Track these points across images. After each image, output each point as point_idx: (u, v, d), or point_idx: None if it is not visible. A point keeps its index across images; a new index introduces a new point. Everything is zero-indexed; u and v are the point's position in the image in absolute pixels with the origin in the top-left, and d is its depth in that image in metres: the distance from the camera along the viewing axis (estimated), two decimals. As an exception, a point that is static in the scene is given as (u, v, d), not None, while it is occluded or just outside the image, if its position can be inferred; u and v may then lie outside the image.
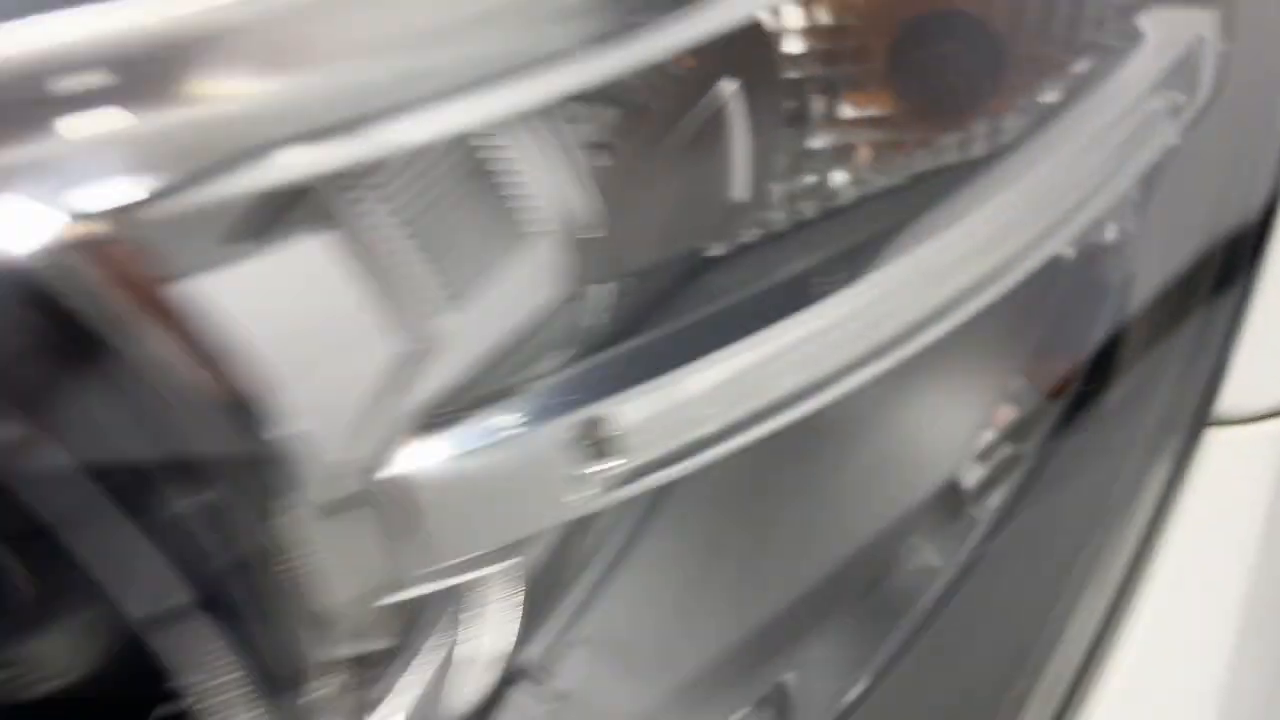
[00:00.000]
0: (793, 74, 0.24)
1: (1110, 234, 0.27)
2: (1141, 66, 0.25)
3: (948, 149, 0.25)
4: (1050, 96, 0.25)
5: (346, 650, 0.18)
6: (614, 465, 0.18)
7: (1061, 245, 0.24)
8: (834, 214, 0.25)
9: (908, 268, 0.22)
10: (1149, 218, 0.27)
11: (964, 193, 0.23)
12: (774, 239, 0.24)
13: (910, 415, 0.27)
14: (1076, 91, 0.25)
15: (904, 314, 0.22)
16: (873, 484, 0.27)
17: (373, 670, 0.20)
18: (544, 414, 0.18)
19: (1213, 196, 0.27)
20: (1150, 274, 0.27)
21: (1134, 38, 0.26)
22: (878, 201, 0.25)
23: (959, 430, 0.27)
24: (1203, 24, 0.26)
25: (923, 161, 0.25)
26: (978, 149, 0.25)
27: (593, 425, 0.18)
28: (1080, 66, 0.26)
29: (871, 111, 0.26)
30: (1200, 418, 0.27)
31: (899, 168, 0.25)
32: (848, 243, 0.23)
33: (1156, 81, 0.25)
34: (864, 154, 0.25)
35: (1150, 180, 0.27)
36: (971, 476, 0.27)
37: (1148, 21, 0.26)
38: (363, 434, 0.17)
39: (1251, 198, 0.28)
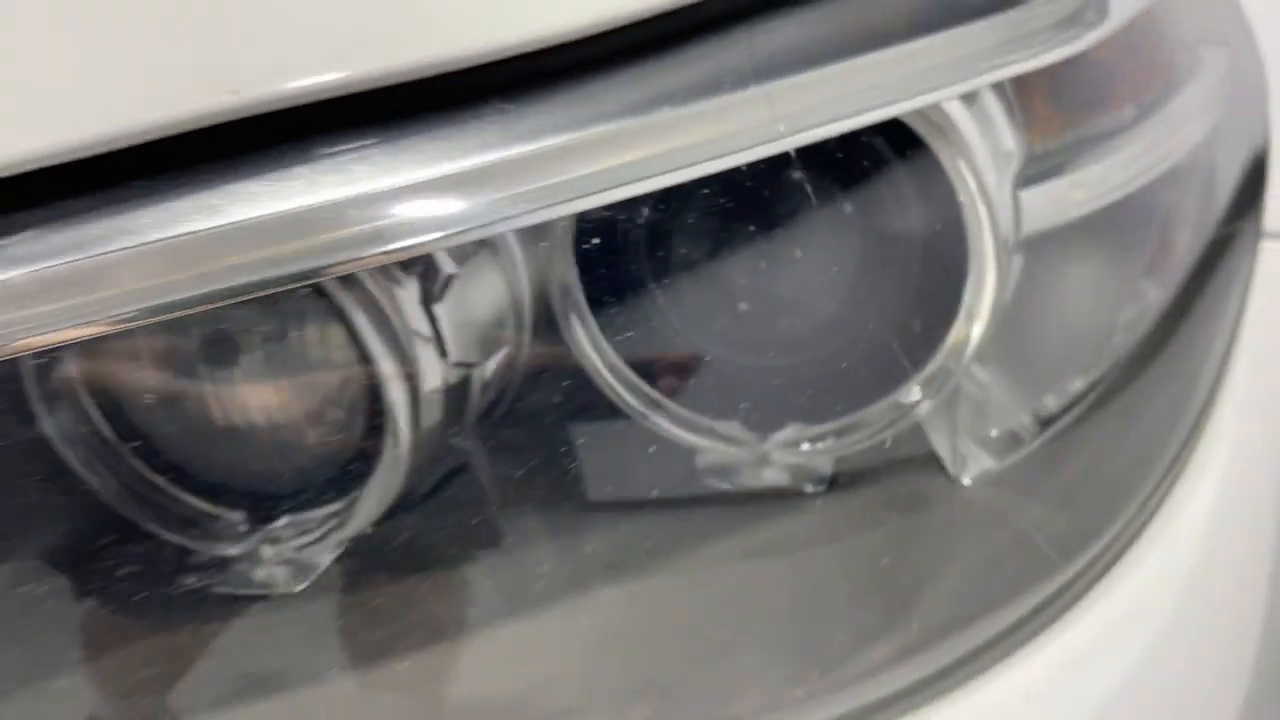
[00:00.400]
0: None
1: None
2: (1206, 77, 0.51)
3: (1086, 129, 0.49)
4: (1151, 96, 0.51)
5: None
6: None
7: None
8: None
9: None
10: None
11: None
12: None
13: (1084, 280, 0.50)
14: (1175, 90, 0.51)
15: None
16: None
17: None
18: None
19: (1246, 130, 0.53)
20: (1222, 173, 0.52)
21: (1199, 62, 0.52)
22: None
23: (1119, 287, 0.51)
24: (1225, 56, 0.53)
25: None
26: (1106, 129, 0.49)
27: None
28: (1172, 80, 0.52)
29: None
30: (1257, 232, 0.49)
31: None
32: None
33: (1218, 84, 0.51)
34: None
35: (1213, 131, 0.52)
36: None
37: (1205, 53, 0.52)
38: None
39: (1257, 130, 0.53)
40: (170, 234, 0.25)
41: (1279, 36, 0.57)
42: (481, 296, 0.38)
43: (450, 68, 0.27)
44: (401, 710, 0.37)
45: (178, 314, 0.25)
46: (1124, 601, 0.36)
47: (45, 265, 0.25)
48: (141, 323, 0.25)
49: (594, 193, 0.30)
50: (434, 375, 0.35)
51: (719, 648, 0.36)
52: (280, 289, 0.26)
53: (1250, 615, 0.37)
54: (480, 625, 0.39)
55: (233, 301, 0.26)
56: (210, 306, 0.25)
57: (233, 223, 0.24)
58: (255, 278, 0.26)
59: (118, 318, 0.25)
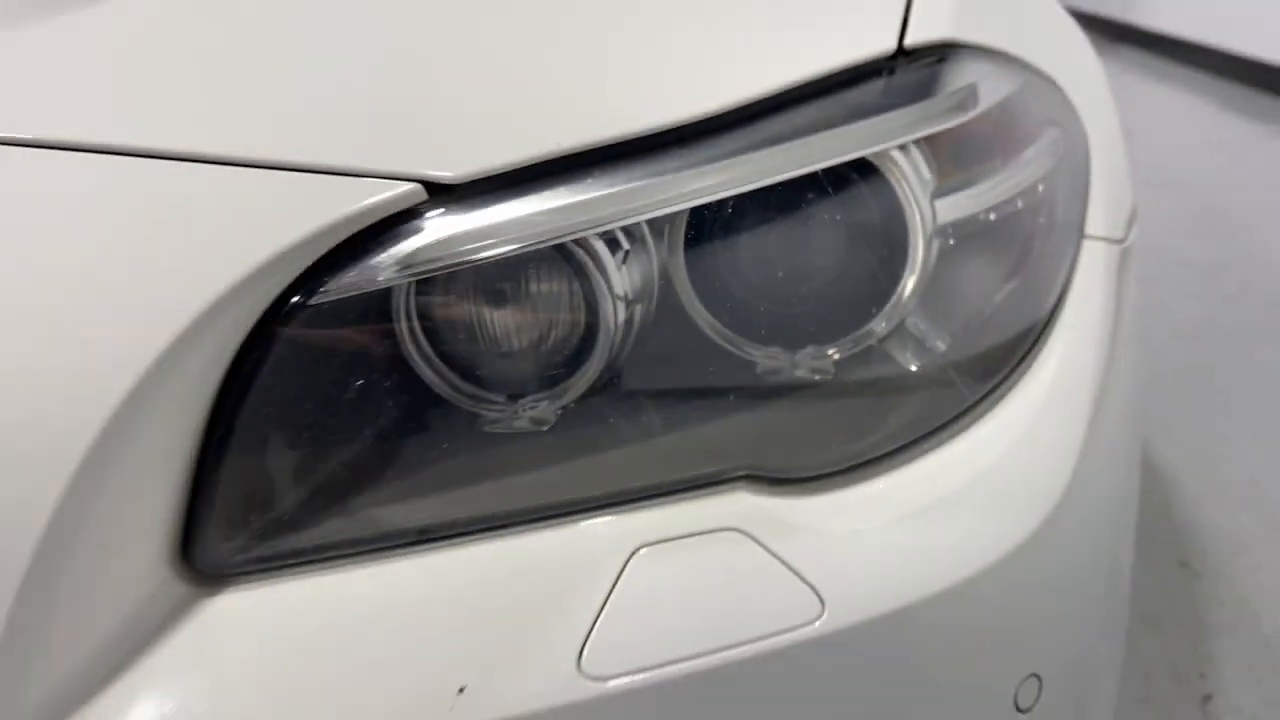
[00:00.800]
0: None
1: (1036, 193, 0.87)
2: (1044, 142, 0.85)
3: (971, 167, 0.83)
4: (1009, 149, 0.84)
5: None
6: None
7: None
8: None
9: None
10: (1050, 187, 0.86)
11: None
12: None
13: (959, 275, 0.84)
14: (1023, 146, 0.84)
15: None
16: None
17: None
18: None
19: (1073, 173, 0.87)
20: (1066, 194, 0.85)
21: (1040, 132, 0.85)
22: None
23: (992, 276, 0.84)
24: (1058, 130, 0.86)
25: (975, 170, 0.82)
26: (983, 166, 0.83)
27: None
28: (1022, 140, 0.85)
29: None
30: (1080, 234, 0.84)
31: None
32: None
33: (1051, 145, 0.85)
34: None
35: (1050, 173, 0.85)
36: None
37: (1044, 128, 0.86)
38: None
39: (1081, 175, 0.87)
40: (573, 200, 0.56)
41: (1095, 119, 0.90)
42: (636, 264, 0.68)
43: (655, 130, 0.59)
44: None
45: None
46: (1003, 418, 0.68)
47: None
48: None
49: (695, 199, 0.61)
50: (621, 310, 0.66)
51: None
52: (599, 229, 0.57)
53: (1074, 429, 0.69)
54: (622, 443, 0.69)
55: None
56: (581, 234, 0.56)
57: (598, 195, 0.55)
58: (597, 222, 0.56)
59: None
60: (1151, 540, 2.04)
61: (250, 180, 0.52)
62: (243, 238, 0.51)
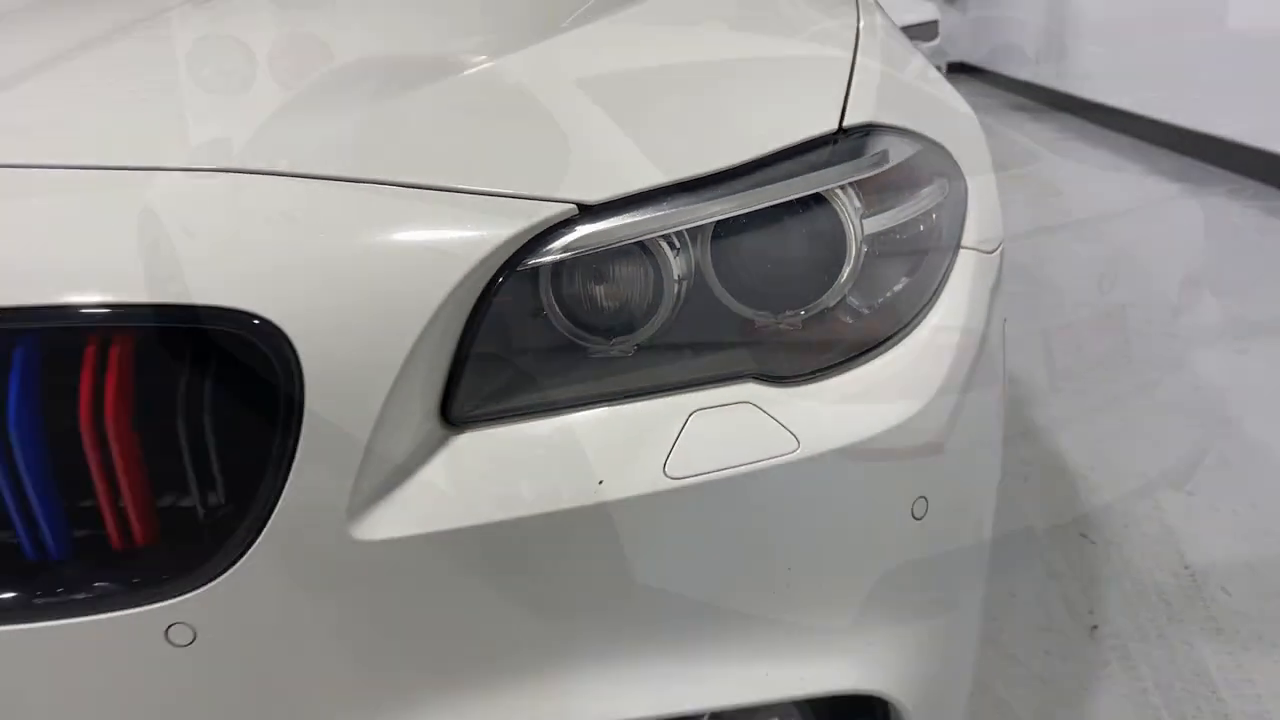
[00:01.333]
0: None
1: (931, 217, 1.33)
2: (934, 185, 1.32)
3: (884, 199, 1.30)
4: (910, 188, 1.32)
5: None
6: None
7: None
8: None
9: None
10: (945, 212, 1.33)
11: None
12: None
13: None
14: (920, 186, 1.31)
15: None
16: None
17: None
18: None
19: (954, 206, 1.35)
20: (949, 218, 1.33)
21: (932, 179, 1.32)
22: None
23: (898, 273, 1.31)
24: (944, 179, 1.34)
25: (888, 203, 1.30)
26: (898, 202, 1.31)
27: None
28: (919, 183, 1.32)
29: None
30: (958, 245, 1.30)
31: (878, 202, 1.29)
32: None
33: (939, 188, 1.32)
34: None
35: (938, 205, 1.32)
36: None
37: (934, 177, 1.32)
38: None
39: (959, 206, 1.34)
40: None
41: (972, 170, 1.38)
42: (682, 257, 1.15)
43: (696, 175, 1.06)
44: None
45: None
46: (902, 350, 1.14)
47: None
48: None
49: (719, 216, 1.08)
50: (675, 286, 1.11)
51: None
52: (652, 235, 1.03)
53: (945, 357, 1.16)
54: (677, 360, 1.15)
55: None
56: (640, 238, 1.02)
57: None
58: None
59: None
60: (1059, 519, 2.52)
61: (494, 203, 0.98)
62: (488, 232, 0.97)
